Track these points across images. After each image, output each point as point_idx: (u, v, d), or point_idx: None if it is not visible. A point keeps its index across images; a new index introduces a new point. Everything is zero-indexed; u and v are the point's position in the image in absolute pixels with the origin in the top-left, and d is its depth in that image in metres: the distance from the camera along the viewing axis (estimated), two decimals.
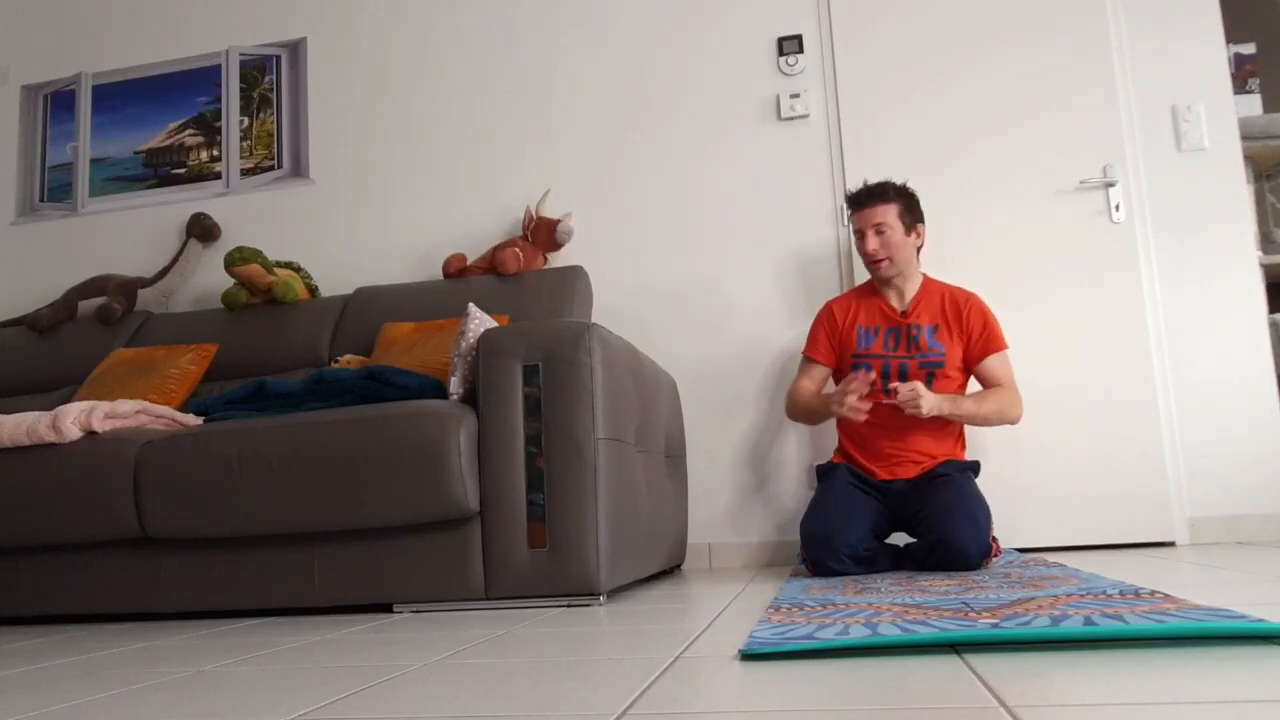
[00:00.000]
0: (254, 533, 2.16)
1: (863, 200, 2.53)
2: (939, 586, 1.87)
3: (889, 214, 2.49)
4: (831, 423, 2.66)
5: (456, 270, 3.08)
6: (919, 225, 2.54)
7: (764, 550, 2.89)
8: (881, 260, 2.50)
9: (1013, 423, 2.49)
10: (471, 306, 2.33)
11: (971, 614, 1.43)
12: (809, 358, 2.62)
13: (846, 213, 2.70)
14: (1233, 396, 2.73)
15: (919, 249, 2.56)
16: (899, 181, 2.56)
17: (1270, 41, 3.57)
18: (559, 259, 3.10)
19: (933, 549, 2.23)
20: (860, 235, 2.53)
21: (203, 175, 3.55)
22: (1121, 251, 2.79)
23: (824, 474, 2.52)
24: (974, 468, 2.45)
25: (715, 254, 3.04)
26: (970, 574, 2.11)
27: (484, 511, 2.07)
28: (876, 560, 2.32)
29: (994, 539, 2.29)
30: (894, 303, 2.55)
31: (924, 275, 2.59)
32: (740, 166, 3.07)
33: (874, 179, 2.61)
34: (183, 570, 2.23)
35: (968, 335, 2.49)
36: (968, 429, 2.56)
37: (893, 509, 2.42)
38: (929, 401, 2.34)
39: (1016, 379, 2.52)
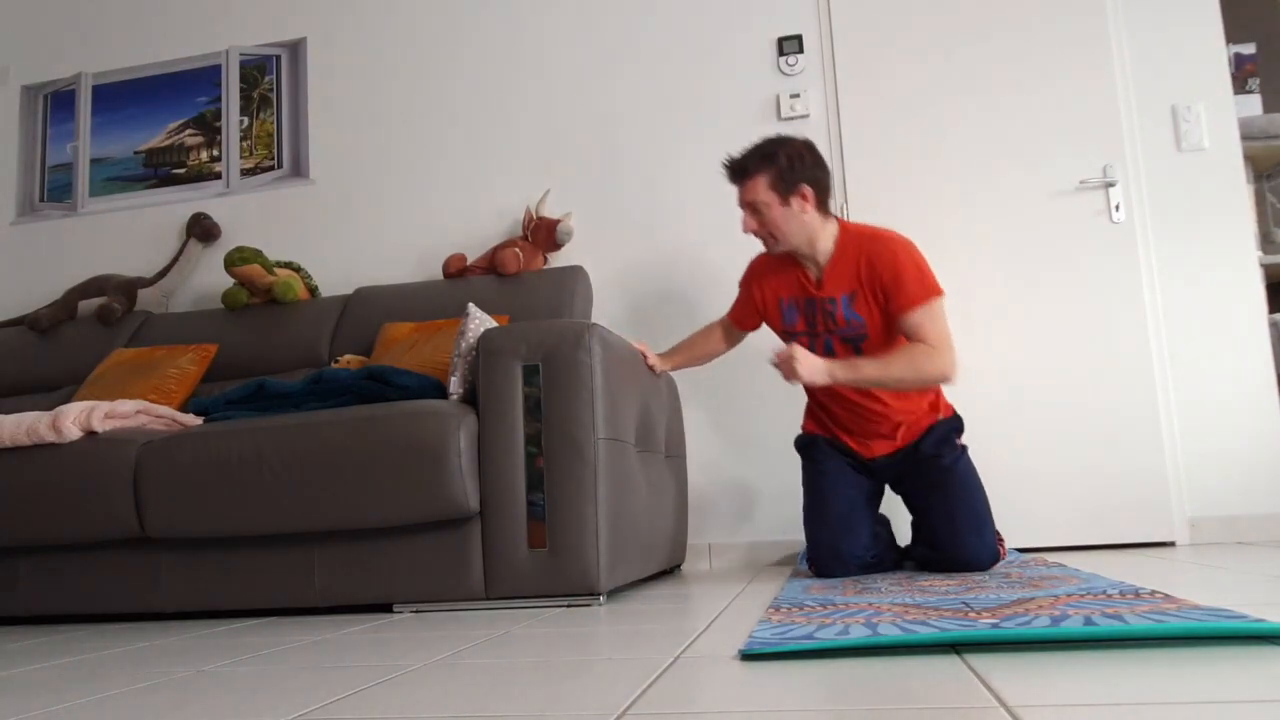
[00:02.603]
0: (254, 533, 2.16)
1: (730, 179, 2.30)
2: (939, 586, 1.87)
3: (758, 189, 2.22)
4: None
5: (456, 270, 3.08)
6: (801, 186, 2.19)
7: (764, 550, 2.89)
8: (765, 239, 2.29)
9: (939, 382, 2.21)
10: (471, 306, 2.33)
11: (971, 614, 1.43)
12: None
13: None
14: (1232, 396, 2.73)
15: (821, 204, 2.23)
16: (789, 138, 2.27)
17: (1270, 41, 3.57)
18: (559, 259, 3.10)
19: (940, 560, 2.22)
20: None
21: (203, 175, 3.55)
22: (1121, 251, 2.79)
23: (803, 447, 2.40)
24: (958, 428, 2.28)
25: (716, 253, 3.04)
26: (970, 574, 2.11)
27: (484, 511, 2.07)
28: (882, 563, 2.32)
29: (1000, 538, 2.26)
30: (811, 273, 2.28)
31: (840, 231, 2.26)
32: None
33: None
34: (183, 570, 2.23)
35: (883, 295, 2.18)
36: (946, 392, 2.34)
37: (879, 483, 2.37)
38: (806, 367, 2.12)
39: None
